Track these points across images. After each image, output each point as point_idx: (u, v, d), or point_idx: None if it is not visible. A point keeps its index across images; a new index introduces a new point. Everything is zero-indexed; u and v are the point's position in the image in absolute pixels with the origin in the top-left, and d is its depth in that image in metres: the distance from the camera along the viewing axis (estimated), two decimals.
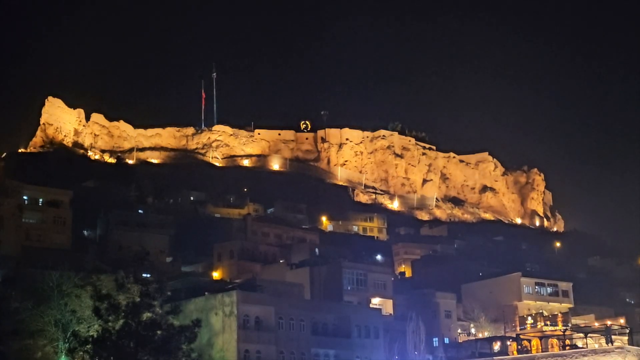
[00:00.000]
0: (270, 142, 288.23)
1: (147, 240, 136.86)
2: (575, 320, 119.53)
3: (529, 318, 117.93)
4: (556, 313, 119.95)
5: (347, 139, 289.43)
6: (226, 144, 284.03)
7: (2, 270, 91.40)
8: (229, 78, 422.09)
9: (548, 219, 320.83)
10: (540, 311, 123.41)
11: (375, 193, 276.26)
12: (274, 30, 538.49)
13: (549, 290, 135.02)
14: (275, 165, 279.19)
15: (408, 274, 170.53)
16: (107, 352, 72.90)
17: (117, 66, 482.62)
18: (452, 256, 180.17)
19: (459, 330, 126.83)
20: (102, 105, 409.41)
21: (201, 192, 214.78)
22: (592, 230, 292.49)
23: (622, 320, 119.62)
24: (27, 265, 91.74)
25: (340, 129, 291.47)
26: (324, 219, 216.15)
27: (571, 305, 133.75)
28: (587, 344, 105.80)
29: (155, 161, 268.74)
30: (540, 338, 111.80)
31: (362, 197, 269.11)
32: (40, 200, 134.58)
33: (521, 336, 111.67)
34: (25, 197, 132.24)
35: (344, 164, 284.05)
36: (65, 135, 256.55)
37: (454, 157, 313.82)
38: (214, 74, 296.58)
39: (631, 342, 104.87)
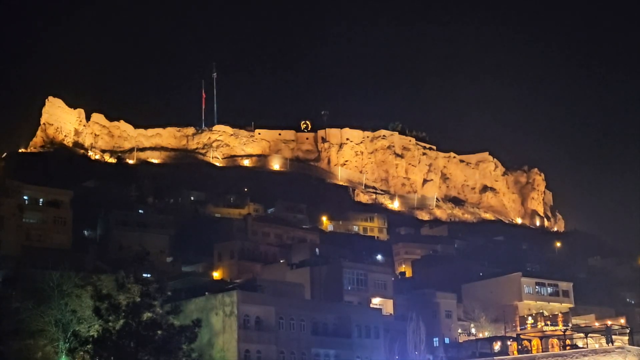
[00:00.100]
0: (270, 142, 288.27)
1: (148, 240, 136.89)
2: (575, 320, 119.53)
3: (530, 318, 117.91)
4: (556, 313, 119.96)
5: (347, 139, 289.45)
6: (226, 144, 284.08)
7: (2, 270, 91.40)
8: (230, 78, 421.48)
9: (548, 219, 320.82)
10: (541, 311, 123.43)
11: (376, 193, 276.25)
12: (275, 31, 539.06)
13: (550, 290, 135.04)
14: (276, 165, 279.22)
15: (408, 274, 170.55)
16: (108, 352, 72.93)
17: (118, 66, 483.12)
18: (453, 256, 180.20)
19: (460, 330, 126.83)
20: (103, 105, 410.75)
21: (201, 192, 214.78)
22: (593, 230, 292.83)
23: (622, 320, 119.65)
24: (28, 265, 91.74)
25: (341, 128, 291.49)
26: (324, 219, 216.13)
27: (571, 305, 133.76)
28: (587, 344, 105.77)
29: (155, 161, 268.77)
30: (541, 338, 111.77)
31: (363, 197, 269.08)
32: (41, 200, 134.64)
33: (521, 336, 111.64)
34: (25, 197, 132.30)
35: (345, 164, 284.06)
36: (65, 135, 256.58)
37: (454, 157, 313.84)
38: (215, 73, 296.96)
39: (631, 342, 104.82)
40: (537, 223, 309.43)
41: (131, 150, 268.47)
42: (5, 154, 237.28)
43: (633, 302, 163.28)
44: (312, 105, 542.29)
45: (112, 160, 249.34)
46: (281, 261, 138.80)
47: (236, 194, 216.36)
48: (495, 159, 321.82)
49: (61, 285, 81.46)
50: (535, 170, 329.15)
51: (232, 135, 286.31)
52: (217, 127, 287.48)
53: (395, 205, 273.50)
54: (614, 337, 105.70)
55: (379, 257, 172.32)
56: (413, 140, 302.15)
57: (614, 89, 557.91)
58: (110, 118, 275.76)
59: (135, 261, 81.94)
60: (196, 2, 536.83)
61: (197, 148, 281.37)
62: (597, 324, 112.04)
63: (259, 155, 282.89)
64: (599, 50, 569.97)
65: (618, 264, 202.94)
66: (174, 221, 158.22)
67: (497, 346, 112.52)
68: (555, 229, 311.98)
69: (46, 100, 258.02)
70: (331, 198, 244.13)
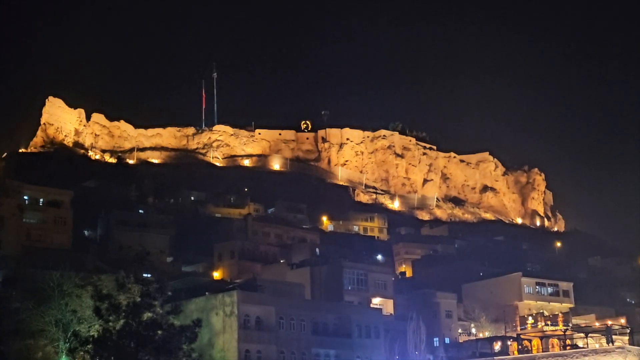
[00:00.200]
0: (270, 142, 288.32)
1: (148, 240, 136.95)
2: (575, 320, 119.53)
3: (530, 318, 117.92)
4: (557, 313, 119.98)
5: (347, 139, 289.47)
6: (227, 143, 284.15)
7: (2, 270, 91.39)
8: (230, 78, 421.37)
9: (549, 219, 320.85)
10: (541, 311, 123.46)
11: (376, 193, 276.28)
12: (275, 30, 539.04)
13: (550, 290, 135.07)
14: (276, 165, 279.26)
15: (409, 273, 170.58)
16: (108, 352, 72.92)
17: (118, 66, 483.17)
18: (453, 256, 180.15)
19: (460, 330, 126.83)
20: (103, 105, 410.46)
21: (202, 192, 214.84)
22: (593, 230, 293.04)
23: (622, 320, 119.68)
24: (28, 265, 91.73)
25: (341, 128, 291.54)
26: (324, 218, 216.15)
27: (572, 305, 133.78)
28: (587, 343, 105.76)
29: (155, 161, 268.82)
30: (541, 338, 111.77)
31: (363, 197, 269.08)
32: (41, 200, 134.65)
33: (522, 336, 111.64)
34: (25, 197, 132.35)
35: (345, 164, 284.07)
36: (65, 135, 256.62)
37: (454, 157, 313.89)
38: (215, 73, 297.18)
39: (632, 342, 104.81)
40: (538, 223, 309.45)
41: (131, 150, 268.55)
42: (5, 154, 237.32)
43: (633, 302, 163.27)
44: (312, 105, 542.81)
45: (113, 160, 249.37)
46: (281, 261, 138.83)
47: (236, 194, 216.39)
48: (495, 159, 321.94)
49: (61, 285, 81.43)
50: (536, 170, 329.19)
51: (232, 135, 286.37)
52: (217, 127, 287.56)
53: (395, 205, 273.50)
54: (614, 337, 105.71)
55: (379, 257, 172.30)
56: (413, 140, 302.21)
57: (614, 88, 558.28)
58: (111, 118, 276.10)
59: (136, 261, 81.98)
60: (196, 2, 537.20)
61: (197, 148, 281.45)
62: (597, 324, 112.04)
63: (259, 155, 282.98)
64: (599, 50, 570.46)
65: (618, 264, 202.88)
66: (174, 221, 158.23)
67: (497, 346, 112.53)
68: (556, 229, 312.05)
69: (46, 100, 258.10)
70: (331, 198, 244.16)
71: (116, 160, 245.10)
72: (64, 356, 78.91)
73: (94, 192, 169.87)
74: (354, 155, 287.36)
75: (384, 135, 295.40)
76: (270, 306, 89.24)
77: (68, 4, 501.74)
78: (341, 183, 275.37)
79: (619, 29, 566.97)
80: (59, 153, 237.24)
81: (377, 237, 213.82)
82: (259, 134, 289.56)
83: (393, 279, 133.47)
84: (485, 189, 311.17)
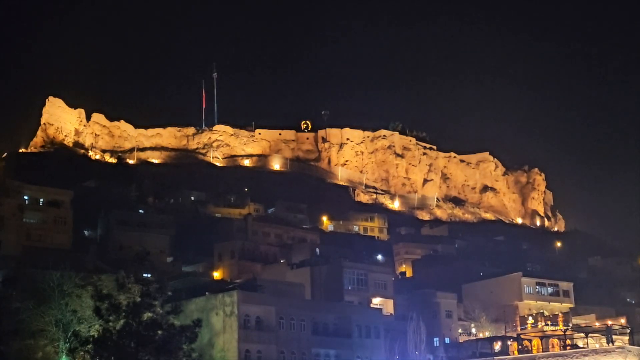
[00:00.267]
0: (270, 142, 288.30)
1: (148, 240, 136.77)
2: (576, 320, 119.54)
3: (530, 318, 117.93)
4: (557, 313, 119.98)
5: (347, 139, 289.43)
6: (227, 143, 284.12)
7: (3, 270, 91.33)
8: (230, 78, 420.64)
9: (549, 219, 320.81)
10: (541, 311, 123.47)
11: (376, 193, 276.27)
12: (275, 30, 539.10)
13: (550, 290, 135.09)
14: (276, 165, 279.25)
15: (409, 273, 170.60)
16: (108, 352, 72.91)
17: (118, 66, 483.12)
18: (453, 256, 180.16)
19: (460, 330, 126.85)
20: (103, 105, 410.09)
21: (202, 192, 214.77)
22: (593, 230, 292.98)
23: (622, 320, 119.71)
24: (28, 265, 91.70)
25: (341, 128, 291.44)
26: (324, 218, 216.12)
27: (572, 305, 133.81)
28: (587, 343, 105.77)
29: (156, 161, 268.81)
30: (541, 338, 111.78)
31: (363, 197, 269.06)
32: (41, 200, 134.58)
33: (522, 336, 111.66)
34: (26, 197, 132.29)
35: (345, 164, 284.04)
36: (65, 135, 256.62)
37: (454, 156, 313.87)
38: (215, 73, 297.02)
39: (632, 342, 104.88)
40: (538, 223, 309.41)
41: (131, 150, 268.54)
42: (5, 154, 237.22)
43: (633, 302, 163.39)
44: (313, 105, 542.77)
45: (113, 160, 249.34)
46: (281, 261, 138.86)
47: (236, 194, 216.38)
48: (495, 159, 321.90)
49: (61, 285, 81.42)
50: (536, 170, 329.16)
51: (232, 135, 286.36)
52: (217, 127, 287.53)
53: (395, 205, 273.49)
54: (614, 337, 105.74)
55: (380, 257, 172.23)
56: (413, 140, 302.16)
57: (614, 88, 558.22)
58: (111, 118, 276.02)
59: (136, 261, 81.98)
60: (196, 2, 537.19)
61: (197, 148, 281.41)
62: (597, 324, 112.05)
63: (259, 155, 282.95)
64: (599, 49, 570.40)
65: (618, 264, 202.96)
66: (174, 221, 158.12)
67: (497, 346, 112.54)
68: (556, 228, 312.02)
69: (46, 100, 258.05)
70: (331, 198, 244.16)
71: (116, 160, 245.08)
72: (64, 356, 78.91)
73: (94, 192, 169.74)
74: (354, 155, 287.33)
75: (384, 135, 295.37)
76: (271, 306, 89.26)
77: (68, 3, 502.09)
78: (341, 183, 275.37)
79: (619, 28, 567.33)
80: (59, 153, 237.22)
81: (377, 237, 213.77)
82: (259, 134, 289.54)
83: (393, 279, 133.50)
84: (485, 189, 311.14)
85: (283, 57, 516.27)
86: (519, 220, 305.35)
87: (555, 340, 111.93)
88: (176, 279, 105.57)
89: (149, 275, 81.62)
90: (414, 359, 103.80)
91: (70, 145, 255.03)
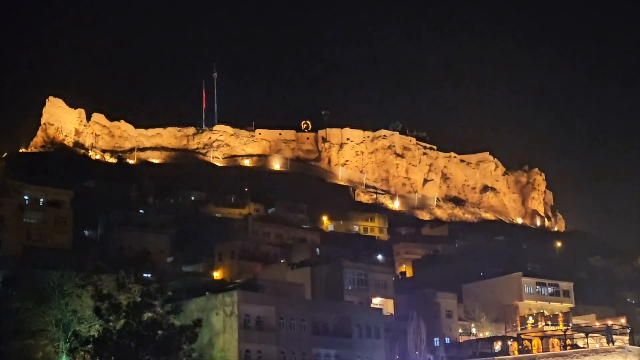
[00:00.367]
0: (271, 142, 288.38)
1: (148, 240, 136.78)
2: (576, 320, 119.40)
3: (530, 318, 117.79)
4: (557, 313, 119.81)
5: (347, 139, 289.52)
6: (227, 143, 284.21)
7: (3, 270, 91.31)
8: (230, 78, 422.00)
9: (549, 219, 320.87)
10: (541, 311, 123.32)
11: (376, 193, 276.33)
12: (275, 30, 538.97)
13: (550, 290, 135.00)
14: (276, 165, 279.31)
15: (409, 273, 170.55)
16: (108, 352, 72.92)
17: (118, 66, 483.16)
18: (453, 256, 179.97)
19: (460, 330, 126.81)
20: (103, 105, 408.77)
21: (202, 192, 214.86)
22: (593, 230, 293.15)
23: (623, 320, 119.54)
24: (28, 265, 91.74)
25: (341, 128, 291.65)
26: (324, 218, 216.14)
27: (572, 305, 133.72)
28: (588, 343, 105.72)
29: (156, 161, 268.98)
30: (541, 338, 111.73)
31: (363, 197, 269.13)
32: (41, 200, 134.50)
33: (522, 336, 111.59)
34: (26, 197, 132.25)
35: (345, 164, 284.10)
36: (66, 135, 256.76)
37: (454, 156, 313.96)
38: (215, 73, 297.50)
39: (632, 342, 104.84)
40: (538, 223, 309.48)
41: (132, 150, 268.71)
42: (5, 154, 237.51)
43: (633, 302, 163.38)
44: (313, 105, 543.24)
45: (113, 160, 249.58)
46: (282, 261, 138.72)
47: (237, 193, 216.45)
48: (495, 159, 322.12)
49: (62, 285, 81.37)
50: (536, 170, 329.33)
51: (232, 135, 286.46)
52: (217, 127, 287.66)
53: (395, 205, 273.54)
54: (614, 337, 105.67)
55: (380, 257, 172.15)
56: (413, 140, 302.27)
57: (614, 88, 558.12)
58: (111, 118, 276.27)
59: (136, 261, 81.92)
60: (196, 2, 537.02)
61: (197, 148, 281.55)
62: (597, 324, 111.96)
63: (259, 155, 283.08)
64: (598, 49, 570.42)
65: (618, 264, 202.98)
66: (174, 221, 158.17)
67: (497, 346, 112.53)
68: (556, 228, 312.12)
69: (47, 100, 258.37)
70: (332, 198, 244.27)
71: (116, 160, 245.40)
72: (64, 356, 78.90)
73: (94, 192, 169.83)
74: (354, 155, 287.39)
75: (384, 135, 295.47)
76: (271, 306, 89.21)
77: (68, 4, 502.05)
78: (341, 183, 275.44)
79: (619, 28, 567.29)
80: (59, 153, 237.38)
81: (378, 237, 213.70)
82: (259, 133, 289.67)
83: (393, 278, 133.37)
84: (485, 188, 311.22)
85: (283, 57, 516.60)
86: (519, 220, 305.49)
87: (556, 340, 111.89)
88: (176, 279, 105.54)
89: (149, 275, 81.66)
90: (414, 359, 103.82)
91: (71, 145, 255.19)
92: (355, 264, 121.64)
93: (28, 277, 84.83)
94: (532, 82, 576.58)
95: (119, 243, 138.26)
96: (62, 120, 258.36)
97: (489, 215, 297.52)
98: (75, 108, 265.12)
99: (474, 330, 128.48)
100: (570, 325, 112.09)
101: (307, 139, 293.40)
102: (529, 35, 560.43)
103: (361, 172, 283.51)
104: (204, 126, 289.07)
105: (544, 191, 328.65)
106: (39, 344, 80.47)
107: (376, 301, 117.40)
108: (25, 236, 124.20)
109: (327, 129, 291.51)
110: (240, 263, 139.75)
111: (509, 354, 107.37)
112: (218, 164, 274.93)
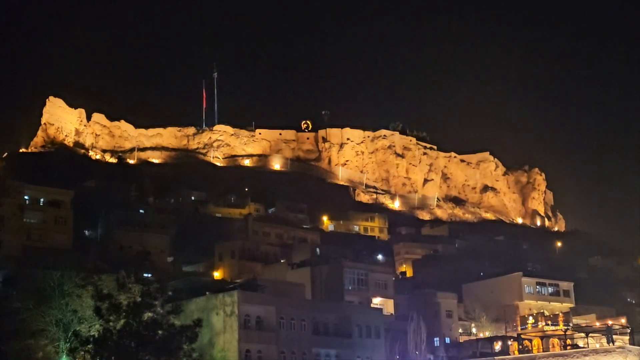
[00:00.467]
0: (271, 142, 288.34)
1: (148, 240, 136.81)
2: (576, 320, 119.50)
3: (530, 318, 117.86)
4: (557, 313, 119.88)
5: (348, 139, 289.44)
6: (227, 143, 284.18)
7: (3, 270, 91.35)
8: (230, 78, 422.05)
9: (549, 219, 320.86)
10: (542, 311, 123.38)
11: (376, 193, 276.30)
12: (275, 30, 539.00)
13: (550, 290, 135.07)
14: (276, 165, 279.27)
15: (409, 273, 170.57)
16: (108, 352, 72.96)
17: (118, 66, 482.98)
18: (453, 256, 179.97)
19: (460, 330, 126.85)
20: (103, 105, 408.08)
21: (202, 192, 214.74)
22: (593, 229, 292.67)
23: (623, 320, 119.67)
24: (28, 265, 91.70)
25: (341, 128, 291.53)
26: (325, 218, 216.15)
27: (572, 305, 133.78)
28: (588, 343, 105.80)
29: (156, 161, 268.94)
30: (542, 338, 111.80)
31: (363, 197, 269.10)
32: (41, 200, 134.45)
33: (522, 336, 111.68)
34: (26, 197, 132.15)
35: (345, 164, 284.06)
36: (66, 135, 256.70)
37: (455, 156, 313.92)
38: (215, 73, 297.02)
39: (632, 342, 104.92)
40: (538, 223, 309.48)
41: (132, 150, 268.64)
42: (6, 153, 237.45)
43: (634, 301, 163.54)
44: (313, 105, 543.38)
45: (113, 160, 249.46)
46: (282, 261, 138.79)
47: (237, 193, 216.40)
48: (495, 159, 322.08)
49: (62, 285, 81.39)
50: (536, 170, 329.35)
51: (232, 135, 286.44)
52: (217, 127, 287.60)
53: (395, 205, 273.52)
54: (614, 336, 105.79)
55: (380, 257, 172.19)
56: (414, 140, 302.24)
57: (614, 88, 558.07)
58: (111, 118, 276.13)
59: (136, 261, 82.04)
60: (196, 2, 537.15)
61: (197, 148, 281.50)
62: (597, 324, 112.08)
63: (259, 155, 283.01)
64: (598, 49, 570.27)
65: (618, 264, 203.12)
66: (174, 221, 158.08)
67: (497, 346, 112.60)
68: (556, 228, 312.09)
69: (47, 100, 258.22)
70: (332, 198, 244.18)
71: (117, 160, 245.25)
72: (64, 356, 78.93)
73: (95, 192, 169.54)
74: (354, 155, 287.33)
75: (384, 135, 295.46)
76: (271, 306, 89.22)
77: (68, 4, 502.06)
78: (342, 183, 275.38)
79: (619, 29, 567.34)
80: (59, 153, 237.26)
81: (378, 237, 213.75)
82: (260, 133, 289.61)
83: (393, 278, 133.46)
84: (485, 188, 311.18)
85: (283, 57, 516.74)
86: (520, 220, 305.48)
87: (556, 340, 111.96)
88: (176, 278, 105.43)
89: (150, 275, 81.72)
90: (415, 358, 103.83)
91: (71, 145, 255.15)
92: (356, 264, 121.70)
93: (28, 277, 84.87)
94: (532, 82, 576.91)
95: (119, 243, 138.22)
96: (62, 120, 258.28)
97: (489, 215, 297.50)
98: (76, 108, 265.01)
99: (474, 330, 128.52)
100: (571, 325, 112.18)
101: (307, 139, 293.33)
102: (529, 35, 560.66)
103: (361, 172, 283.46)
104: (204, 126, 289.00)
105: (544, 191, 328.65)
106: (39, 344, 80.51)
107: (376, 301, 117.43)
108: (25, 236, 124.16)
109: (327, 129, 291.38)
110: (241, 263, 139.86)
111: (509, 354, 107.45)
112: (218, 164, 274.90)
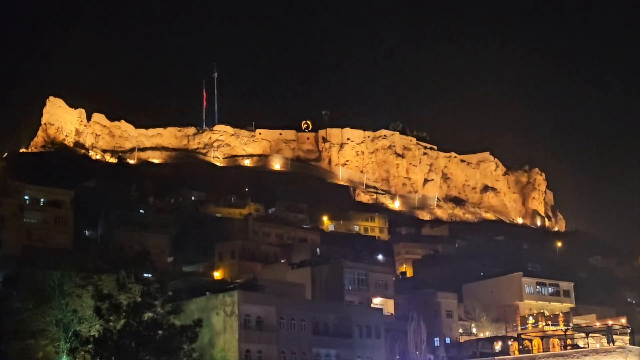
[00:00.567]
0: (271, 142, 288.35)
1: (148, 240, 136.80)
2: (576, 320, 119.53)
3: (530, 318, 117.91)
4: (557, 313, 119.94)
5: (348, 139, 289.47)
6: (227, 143, 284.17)
7: (3, 270, 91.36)
8: (230, 78, 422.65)
9: (549, 219, 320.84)
10: (542, 311, 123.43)
11: (377, 193, 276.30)
12: (275, 30, 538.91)
13: (550, 290, 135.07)
14: (277, 165, 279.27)
15: (409, 273, 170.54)
16: (109, 352, 72.96)
17: (119, 66, 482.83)
18: (453, 256, 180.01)
19: (460, 330, 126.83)
20: (103, 105, 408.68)
21: (202, 192, 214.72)
22: (593, 230, 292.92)
23: (623, 320, 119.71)
24: (29, 265, 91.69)
25: (342, 128, 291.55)
26: (325, 218, 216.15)
27: (572, 305, 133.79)
28: (588, 343, 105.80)
29: (156, 161, 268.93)
30: (542, 338, 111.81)
31: (363, 197, 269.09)
32: (42, 200, 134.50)
33: (522, 336, 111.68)
34: (26, 197, 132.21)
35: (345, 164, 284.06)
36: (66, 135, 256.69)
37: (455, 156, 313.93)
38: (215, 73, 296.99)
39: (632, 342, 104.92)
40: (538, 223, 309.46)
41: (132, 150, 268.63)
42: (6, 154, 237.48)
43: (634, 301, 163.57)
44: (313, 105, 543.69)
45: (113, 160, 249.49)
46: (282, 261, 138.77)
47: (237, 193, 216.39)
48: (496, 159, 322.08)
49: (62, 285, 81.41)
50: (536, 170, 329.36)
51: (232, 135, 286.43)
52: (217, 127, 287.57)
53: (396, 205, 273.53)
54: (615, 337, 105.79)
55: (380, 257, 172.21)
56: (414, 140, 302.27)
57: (614, 88, 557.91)
58: (111, 118, 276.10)
59: (136, 261, 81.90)
60: (196, 3, 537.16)
61: (198, 148, 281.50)
62: (598, 324, 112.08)
63: (259, 155, 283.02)
64: (598, 50, 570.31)
65: (619, 264, 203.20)
66: (174, 221, 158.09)
67: (498, 346, 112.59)
68: (556, 228, 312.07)
69: (47, 100, 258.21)
70: (332, 198, 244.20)
71: (117, 160, 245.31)
72: (64, 356, 78.93)
73: (95, 192, 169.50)
74: (354, 155, 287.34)
75: (384, 135, 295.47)
76: (271, 306, 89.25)
77: (68, 4, 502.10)
78: (342, 183, 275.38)
79: (618, 29, 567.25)
80: (59, 153, 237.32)
81: (378, 237, 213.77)
82: (260, 133, 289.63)
83: (394, 278, 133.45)
84: (485, 188, 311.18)
85: (283, 57, 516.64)
86: (520, 220, 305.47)
87: (556, 340, 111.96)
88: (177, 278, 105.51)
89: (150, 275, 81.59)
90: (415, 359, 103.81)
91: (71, 145, 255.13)
92: (356, 264, 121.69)
93: (28, 277, 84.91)
94: (532, 82, 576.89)
95: (119, 243, 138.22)
96: (62, 120, 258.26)
97: (490, 215, 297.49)
98: (76, 108, 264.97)
99: (474, 330, 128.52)
100: (571, 325, 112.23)
101: (308, 139, 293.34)
102: (529, 35, 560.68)
103: (361, 172, 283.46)
104: (204, 126, 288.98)
105: (544, 191, 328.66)
106: (40, 344, 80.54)
107: (376, 301, 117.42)
108: (25, 236, 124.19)
109: (328, 129, 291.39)
110: (241, 263, 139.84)
111: (509, 354, 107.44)
112: (218, 164, 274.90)
